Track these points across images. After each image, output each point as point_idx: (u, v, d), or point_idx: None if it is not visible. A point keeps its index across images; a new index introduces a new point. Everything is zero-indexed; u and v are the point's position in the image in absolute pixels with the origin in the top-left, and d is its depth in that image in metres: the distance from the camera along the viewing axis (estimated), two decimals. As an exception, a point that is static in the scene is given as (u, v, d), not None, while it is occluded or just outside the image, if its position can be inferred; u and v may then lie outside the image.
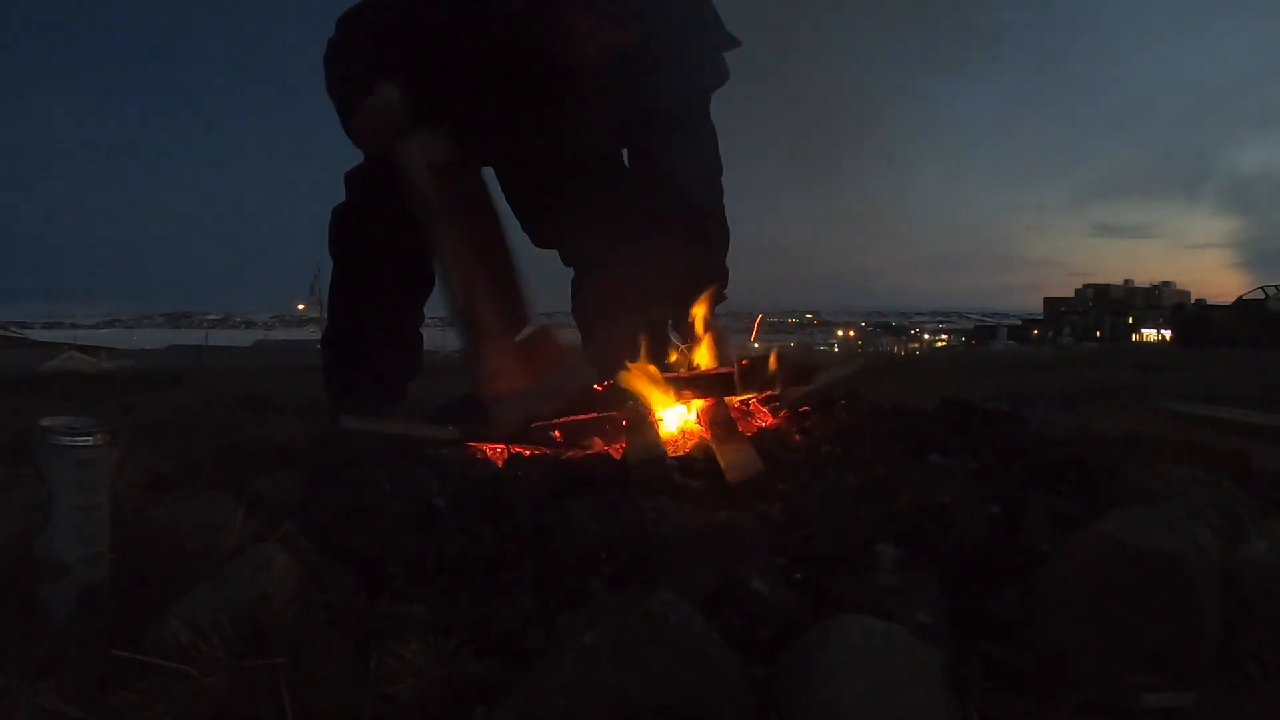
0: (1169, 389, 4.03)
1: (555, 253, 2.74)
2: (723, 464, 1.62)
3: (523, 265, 2.43)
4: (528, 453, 1.96)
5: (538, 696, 0.88)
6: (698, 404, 2.05)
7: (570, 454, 1.97)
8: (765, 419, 2.10)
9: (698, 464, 1.70)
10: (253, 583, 1.09)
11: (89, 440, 1.12)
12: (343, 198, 2.47)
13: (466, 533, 1.44)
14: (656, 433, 1.87)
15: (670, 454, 1.75)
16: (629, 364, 2.03)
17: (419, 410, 2.46)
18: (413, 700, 0.92)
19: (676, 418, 2.15)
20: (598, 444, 1.98)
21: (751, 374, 2.16)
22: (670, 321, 2.39)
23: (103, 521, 1.15)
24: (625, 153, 2.57)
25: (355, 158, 2.45)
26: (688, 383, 2.16)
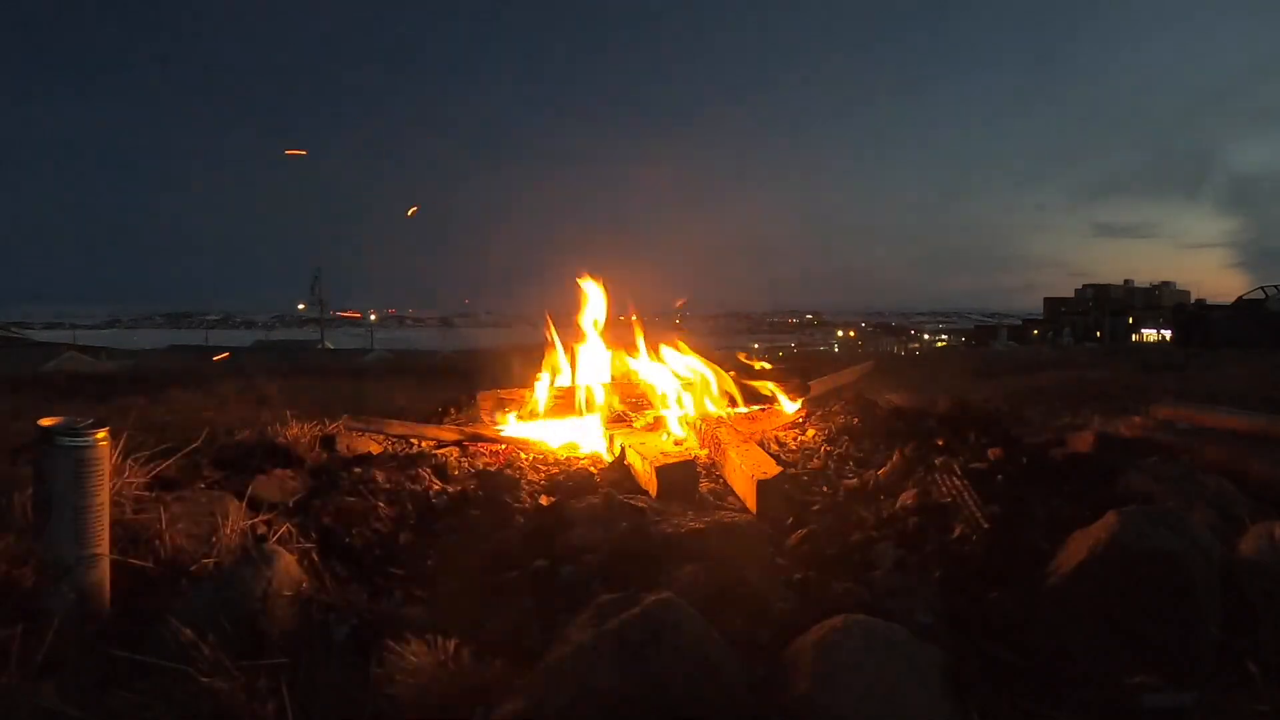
0: (1169, 389, 4.02)
1: None
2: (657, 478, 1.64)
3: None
4: (527, 454, 1.96)
5: (538, 696, 0.88)
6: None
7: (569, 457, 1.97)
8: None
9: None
10: (253, 583, 1.09)
11: (89, 440, 1.12)
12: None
13: (466, 533, 1.44)
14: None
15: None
16: None
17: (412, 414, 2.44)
18: (413, 700, 0.92)
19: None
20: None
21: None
22: None
23: (103, 521, 1.14)
24: None
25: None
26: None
